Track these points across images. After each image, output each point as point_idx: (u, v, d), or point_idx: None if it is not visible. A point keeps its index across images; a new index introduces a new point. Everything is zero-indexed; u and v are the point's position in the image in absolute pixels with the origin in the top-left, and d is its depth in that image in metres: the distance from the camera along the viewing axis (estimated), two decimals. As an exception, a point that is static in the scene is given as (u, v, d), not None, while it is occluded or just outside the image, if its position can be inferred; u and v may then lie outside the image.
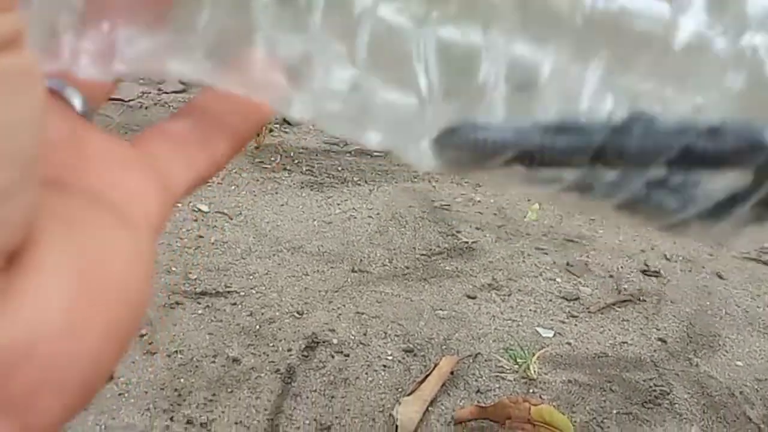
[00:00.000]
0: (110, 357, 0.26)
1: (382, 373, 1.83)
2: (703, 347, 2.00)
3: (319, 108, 0.32)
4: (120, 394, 1.71)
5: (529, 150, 0.30)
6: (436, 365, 1.84)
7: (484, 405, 1.71)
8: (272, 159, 2.81)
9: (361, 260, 2.28)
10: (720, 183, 0.31)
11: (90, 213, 0.27)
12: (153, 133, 0.32)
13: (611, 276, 2.29)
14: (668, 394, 1.82)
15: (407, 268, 2.27)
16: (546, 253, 2.39)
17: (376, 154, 2.92)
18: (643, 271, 2.33)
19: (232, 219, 2.44)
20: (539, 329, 2.03)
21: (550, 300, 2.16)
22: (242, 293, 2.08)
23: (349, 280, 2.19)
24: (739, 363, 1.95)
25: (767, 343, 2.03)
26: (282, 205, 2.55)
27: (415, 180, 2.77)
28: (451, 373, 1.84)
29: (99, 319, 0.25)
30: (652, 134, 0.30)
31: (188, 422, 1.65)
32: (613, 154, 0.30)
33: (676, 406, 1.79)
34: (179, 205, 2.46)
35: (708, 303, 2.19)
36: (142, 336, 1.88)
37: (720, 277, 2.33)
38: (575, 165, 0.30)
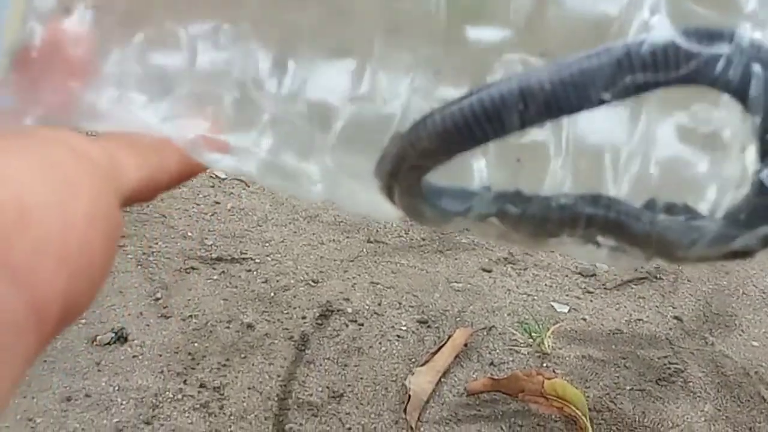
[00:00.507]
0: (99, 245, 0.28)
1: (396, 343, 1.83)
2: (719, 326, 1.99)
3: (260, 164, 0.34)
4: (134, 357, 1.72)
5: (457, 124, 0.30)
6: (450, 337, 1.84)
7: (497, 377, 1.71)
8: (290, 128, 2.80)
9: (377, 231, 2.28)
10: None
11: (39, 137, 0.29)
12: (107, 134, 0.34)
13: (628, 253, 2.28)
14: (682, 372, 1.82)
15: (423, 239, 2.27)
16: (563, 229, 2.38)
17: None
18: (661, 249, 2.31)
19: (249, 186, 2.43)
20: (554, 304, 2.02)
21: (566, 275, 2.15)
22: (258, 260, 2.08)
23: (364, 250, 2.19)
24: (755, 343, 1.93)
25: (784, 324, 2.01)
26: (299, 173, 2.54)
27: (434, 152, 2.76)
28: (465, 345, 1.83)
29: (78, 197, 0.27)
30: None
31: (201, 386, 1.66)
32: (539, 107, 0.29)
33: (690, 384, 1.78)
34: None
35: (725, 282, 2.18)
36: (157, 300, 1.89)
37: (738, 257, 2.31)
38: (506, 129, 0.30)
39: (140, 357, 1.72)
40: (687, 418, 1.68)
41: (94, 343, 1.74)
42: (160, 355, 1.73)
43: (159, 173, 0.33)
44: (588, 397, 1.70)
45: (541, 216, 0.32)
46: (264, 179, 0.34)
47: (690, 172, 0.31)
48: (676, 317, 2.01)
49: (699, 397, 1.75)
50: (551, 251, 2.40)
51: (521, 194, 0.32)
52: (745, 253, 0.33)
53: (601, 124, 0.31)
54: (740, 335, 1.96)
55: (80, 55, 0.32)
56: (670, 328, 1.96)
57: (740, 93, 0.29)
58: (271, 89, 0.32)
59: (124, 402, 1.61)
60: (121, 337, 1.76)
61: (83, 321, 1.80)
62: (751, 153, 0.30)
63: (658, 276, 2.18)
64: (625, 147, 0.31)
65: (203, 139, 0.33)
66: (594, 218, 0.32)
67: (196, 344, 1.77)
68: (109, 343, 1.74)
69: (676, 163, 0.31)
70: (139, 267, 1.99)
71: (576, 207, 0.31)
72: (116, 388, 1.64)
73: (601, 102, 0.29)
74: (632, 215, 0.32)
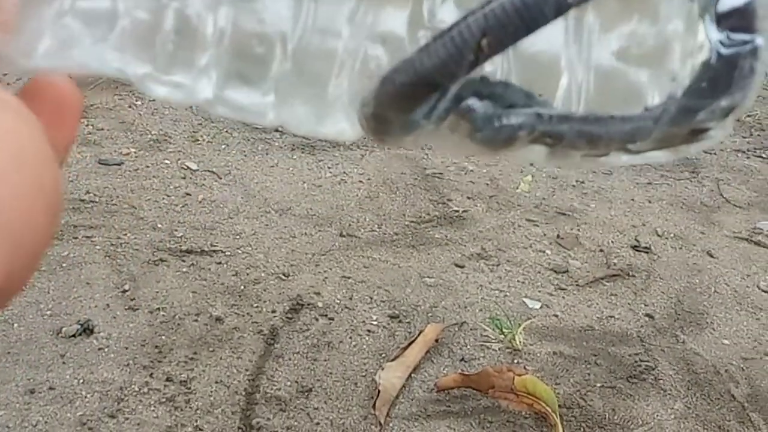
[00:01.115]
0: (43, 218, 0.26)
1: (366, 338, 1.82)
2: (691, 324, 1.99)
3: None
4: (99, 349, 1.69)
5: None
6: (421, 332, 1.82)
7: (467, 373, 1.70)
8: (264, 120, 2.77)
9: (349, 225, 2.26)
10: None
11: None
12: None
13: (601, 250, 2.28)
14: (653, 369, 1.81)
15: (396, 234, 2.25)
16: (536, 225, 2.38)
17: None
18: (634, 247, 2.31)
19: (221, 178, 2.41)
20: (526, 300, 2.01)
21: (539, 272, 2.14)
22: (228, 253, 2.06)
23: (336, 244, 2.17)
24: (725, 341, 1.93)
25: (755, 322, 2.01)
26: (272, 166, 2.52)
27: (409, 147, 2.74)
28: (436, 340, 1.82)
29: (24, 166, 0.26)
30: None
31: (168, 379, 1.64)
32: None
33: (661, 381, 1.78)
34: (167, 161, 2.43)
35: (697, 281, 2.18)
36: (124, 292, 1.86)
37: (710, 255, 2.31)
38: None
39: (106, 349, 1.70)
40: (657, 415, 1.68)
41: (59, 335, 1.71)
42: (127, 348, 1.70)
43: None
44: (558, 393, 1.69)
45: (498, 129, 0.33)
46: (214, 110, 0.34)
47: (635, 83, 0.33)
48: (647, 315, 2.00)
49: (669, 394, 1.74)
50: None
51: (487, 80, 0.33)
52: (702, 132, 0.34)
53: (554, 42, 0.32)
54: (711, 333, 1.96)
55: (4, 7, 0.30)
56: (642, 326, 1.96)
57: None
58: (211, 22, 0.32)
59: (88, 395, 1.58)
60: (86, 329, 1.73)
61: (48, 312, 1.77)
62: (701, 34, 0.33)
63: (630, 273, 2.18)
64: (573, 61, 0.33)
65: (150, 74, 0.32)
66: (556, 129, 0.33)
67: (163, 337, 1.75)
68: (74, 335, 1.72)
69: (621, 77, 0.33)
70: (107, 258, 1.97)
71: (536, 119, 0.33)
72: (81, 380, 1.61)
73: (567, 8, 0.31)
74: (587, 119, 0.33)
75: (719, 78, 0.32)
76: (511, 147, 0.33)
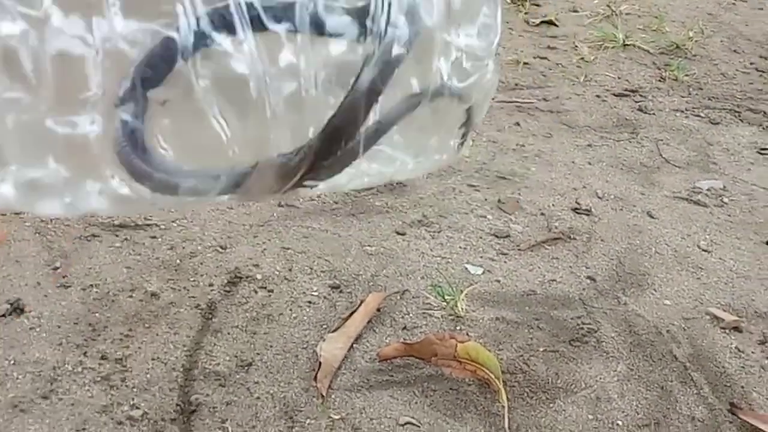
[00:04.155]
0: None
1: (307, 310, 1.79)
2: (632, 286, 1.99)
3: None
4: (31, 329, 1.64)
5: None
6: (362, 302, 1.80)
7: (409, 342, 1.68)
8: (199, 89, 2.71)
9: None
10: None
11: None
12: None
13: (542, 214, 2.27)
14: (595, 332, 1.81)
15: (335, 203, 2.22)
16: (477, 190, 2.36)
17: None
18: (574, 209, 2.30)
19: (154, 150, 2.35)
20: (468, 266, 1.99)
21: (480, 237, 2.13)
22: (163, 226, 2.01)
23: (275, 214, 2.13)
24: (667, 302, 1.94)
25: (695, 282, 2.02)
26: (208, 136, 2.46)
27: (347, 114, 2.69)
28: (378, 309, 1.80)
29: None
30: None
31: (102, 357, 1.59)
32: None
33: (603, 344, 1.78)
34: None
35: (638, 242, 2.18)
36: (55, 269, 1.80)
37: (651, 216, 2.32)
38: None
39: (38, 329, 1.64)
40: (600, 378, 1.68)
41: (-12, 315, 1.66)
42: (59, 327, 1.65)
43: None
44: (501, 359, 1.68)
45: None
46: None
47: None
48: (589, 277, 2.00)
49: (612, 357, 1.74)
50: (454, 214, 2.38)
51: None
52: None
53: None
54: (652, 294, 1.96)
55: None
56: (584, 289, 1.96)
57: None
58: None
59: (20, 376, 1.53)
60: (17, 309, 1.68)
61: (-24, 293, 1.71)
62: None
63: (571, 236, 2.17)
64: None
65: None
66: None
67: (97, 314, 1.70)
68: (4, 315, 1.66)
69: None
70: (37, 235, 1.90)
71: None
72: (12, 362, 1.56)
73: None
74: None
75: None
76: None
